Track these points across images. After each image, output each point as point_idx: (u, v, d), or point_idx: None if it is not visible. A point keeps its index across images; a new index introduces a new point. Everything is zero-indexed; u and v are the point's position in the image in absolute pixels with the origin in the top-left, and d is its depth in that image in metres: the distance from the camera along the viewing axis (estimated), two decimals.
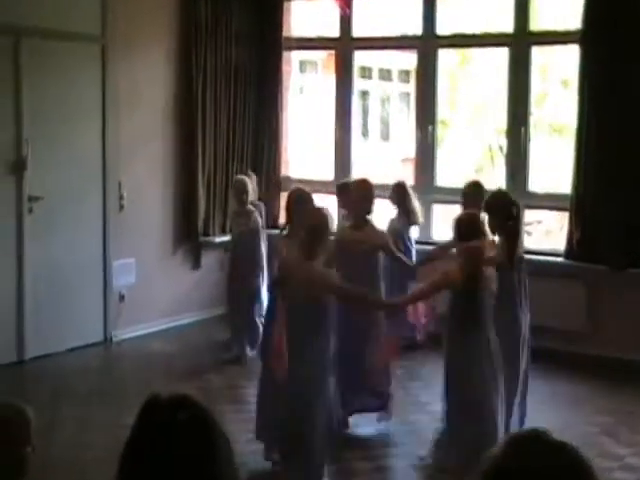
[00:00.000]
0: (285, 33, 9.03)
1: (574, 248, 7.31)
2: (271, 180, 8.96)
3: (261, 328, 6.29)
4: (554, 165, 10.46)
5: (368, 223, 5.80)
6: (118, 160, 7.79)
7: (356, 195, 5.91)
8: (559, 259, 7.48)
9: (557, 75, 13.00)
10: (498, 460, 1.59)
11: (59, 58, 7.37)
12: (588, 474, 1.59)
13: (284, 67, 9.12)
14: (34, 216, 7.20)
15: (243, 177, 7.61)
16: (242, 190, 7.31)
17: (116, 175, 7.76)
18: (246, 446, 5.22)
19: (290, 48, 9.26)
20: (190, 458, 1.83)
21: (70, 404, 6.19)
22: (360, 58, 9.78)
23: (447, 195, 7.96)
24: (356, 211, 5.89)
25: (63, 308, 7.35)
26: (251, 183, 7.48)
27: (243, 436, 5.32)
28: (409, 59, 9.28)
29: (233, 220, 7.76)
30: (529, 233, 9.28)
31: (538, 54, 8.71)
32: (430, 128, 8.36)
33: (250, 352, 7.14)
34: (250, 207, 7.35)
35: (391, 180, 7.77)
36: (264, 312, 6.18)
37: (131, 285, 7.91)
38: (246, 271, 7.23)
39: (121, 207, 7.84)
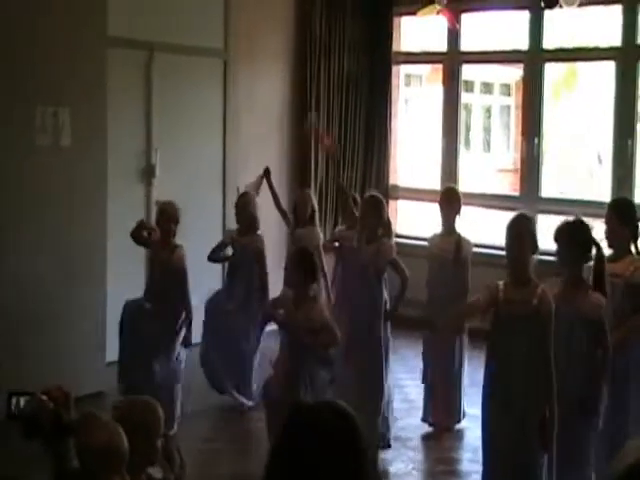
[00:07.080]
0: (394, 47, 9.35)
1: None
2: (380, 188, 9.28)
3: None
4: None
5: None
6: (237, 167, 8.22)
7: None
8: None
9: None
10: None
11: (185, 71, 7.83)
12: None
13: (392, 80, 9.44)
14: None
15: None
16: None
17: (234, 181, 8.16)
18: None
19: (399, 62, 9.60)
20: (337, 457, 1.82)
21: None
22: (463, 72, 10.03)
23: (552, 205, 8.17)
24: None
25: None
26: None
27: None
28: (510, 73, 9.48)
29: None
30: None
31: None
32: (535, 140, 8.59)
33: None
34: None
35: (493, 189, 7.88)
36: None
37: None
38: None
39: None
